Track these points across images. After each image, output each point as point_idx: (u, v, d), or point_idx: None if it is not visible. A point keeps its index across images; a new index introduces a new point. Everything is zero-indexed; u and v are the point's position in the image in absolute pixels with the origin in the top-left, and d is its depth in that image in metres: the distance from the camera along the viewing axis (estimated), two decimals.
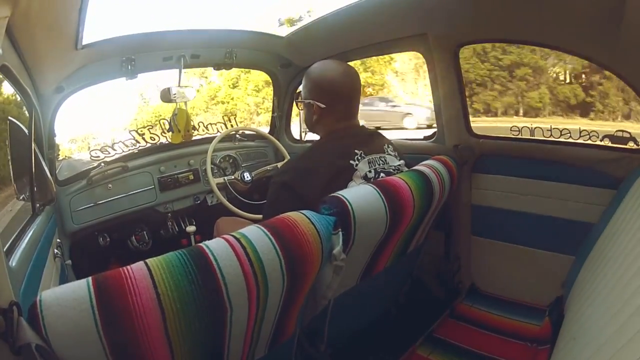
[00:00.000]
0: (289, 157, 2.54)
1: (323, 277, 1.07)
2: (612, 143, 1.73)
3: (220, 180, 2.34)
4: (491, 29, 1.77)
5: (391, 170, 1.39)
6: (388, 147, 1.45)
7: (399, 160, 1.45)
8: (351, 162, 1.30)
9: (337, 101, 1.38)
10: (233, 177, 2.40)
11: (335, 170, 1.28)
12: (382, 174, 1.34)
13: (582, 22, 1.51)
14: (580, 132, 1.82)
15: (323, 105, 1.37)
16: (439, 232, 2.02)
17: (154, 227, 2.51)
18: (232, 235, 0.86)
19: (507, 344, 1.66)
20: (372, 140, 1.42)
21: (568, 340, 1.05)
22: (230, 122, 2.70)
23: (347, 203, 1.08)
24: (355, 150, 1.32)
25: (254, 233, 0.87)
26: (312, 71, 1.43)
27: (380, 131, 1.52)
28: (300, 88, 1.48)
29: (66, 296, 0.68)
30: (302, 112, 1.50)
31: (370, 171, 1.32)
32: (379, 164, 1.37)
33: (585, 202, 1.70)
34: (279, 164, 2.55)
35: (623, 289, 0.81)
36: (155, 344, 0.73)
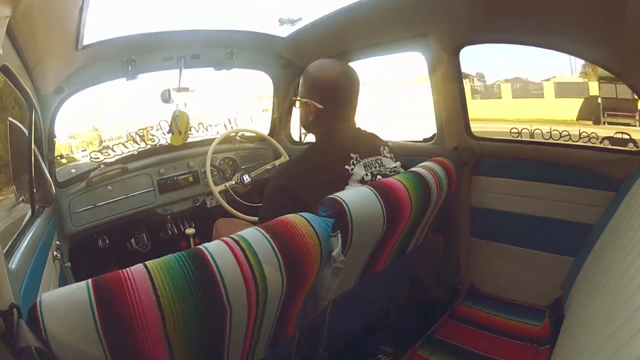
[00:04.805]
0: (288, 159, 2.54)
1: (322, 279, 1.07)
2: (611, 145, 1.73)
3: (222, 187, 2.35)
4: (492, 30, 1.77)
5: (387, 173, 1.38)
6: (384, 149, 1.44)
7: (395, 162, 1.45)
8: (347, 167, 1.30)
9: (335, 102, 1.37)
10: (234, 182, 2.41)
11: (331, 176, 1.28)
12: (378, 177, 1.34)
13: (583, 23, 1.50)
14: (580, 134, 1.82)
15: (320, 106, 1.36)
16: (438, 234, 2.03)
17: (153, 229, 2.51)
18: (231, 238, 0.86)
19: (507, 345, 1.66)
20: (368, 142, 1.41)
21: (568, 340, 1.05)
22: (230, 123, 2.71)
23: (344, 204, 1.08)
24: (351, 154, 1.31)
25: (253, 235, 0.87)
26: (310, 70, 1.41)
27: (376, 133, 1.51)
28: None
29: (66, 298, 0.68)
30: (298, 111, 1.49)
31: (366, 174, 1.32)
32: (375, 167, 1.36)
33: (585, 203, 1.71)
34: (277, 162, 2.55)
35: (623, 290, 0.81)
36: (155, 346, 0.73)
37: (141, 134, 2.42)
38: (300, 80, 1.44)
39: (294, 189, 1.25)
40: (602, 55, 1.58)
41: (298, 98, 1.44)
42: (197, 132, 2.62)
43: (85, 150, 2.67)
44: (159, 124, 2.45)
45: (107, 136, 3.03)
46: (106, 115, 3.04)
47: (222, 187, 2.36)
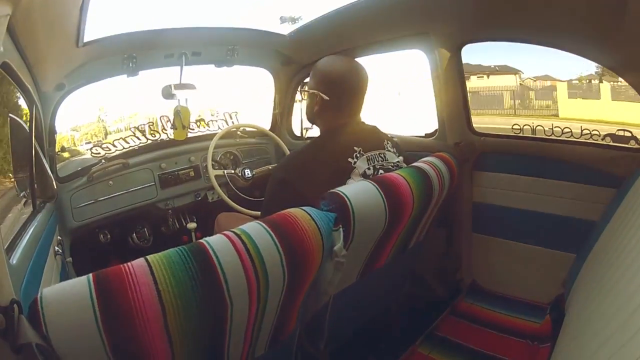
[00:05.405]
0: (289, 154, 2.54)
1: (324, 274, 1.07)
2: (613, 142, 1.72)
3: (220, 172, 2.35)
4: (494, 28, 1.77)
5: (390, 167, 1.39)
6: (387, 143, 1.44)
7: (398, 156, 1.45)
8: (349, 160, 1.30)
9: (341, 95, 1.38)
10: (233, 172, 2.41)
11: (334, 169, 1.29)
12: (380, 171, 1.34)
13: (586, 22, 1.50)
14: (582, 130, 1.81)
15: (326, 97, 1.37)
16: (440, 230, 2.02)
17: (155, 224, 2.52)
18: (233, 232, 0.86)
19: (508, 342, 1.66)
20: (371, 136, 1.42)
21: (569, 338, 1.05)
22: (231, 119, 2.71)
23: (346, 199, 1.08)
24: (354, 148, 1.32)
25: (255, 229, 0.87)
26: (320, 63, 1.43)
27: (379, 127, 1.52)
28: (307, 80, 1.48)
29: (67, 293, 0.68)
30: (305, 102, 1.50)
31: (369, 168, 1.32)
32: (378, 161, 1.36)
33: (587, 200, 1.70)
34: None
35: (624, 287, 0.81)
36: (156, 340, 0.73)
37: (142, 129, 2.42)
38: (310, 73, 1.46)
39: (296, 181, 1.26)
40: (605, 54, 1.57)
41: (306, 90, 1.45)
42: (198, 127, 2.62)
43: (89, 142, 2.67)
44: (161, 119, 2.46)
45: (110, 129, 3.04)
46: (110, 108, 3.05)
47: (219, 172, 2.36)
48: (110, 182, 2.25)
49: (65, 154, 2.47)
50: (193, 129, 2.57)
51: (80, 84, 2.07)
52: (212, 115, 2.73)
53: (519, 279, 1.94)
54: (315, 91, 1.40)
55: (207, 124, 2.68)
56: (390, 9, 1.87)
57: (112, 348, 0.68)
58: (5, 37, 1.07)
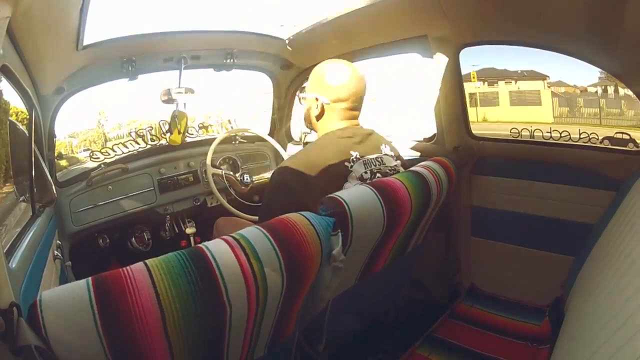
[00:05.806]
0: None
1: (322, 278, 1.07)
2: (611, 145, 1.72)
3: (219, 172, 2.35)
4: (492, 31, 1.77)
5: (387, 171, 1.39)
6: (385, 147, 1.45)
7: (396, 160, 1.46)
8: (346, 164, 1.31)
9: (340, 100, 1.38)
10: (232, 173, 2.41)
11: (331, 172, 1.29)
12: (378, 175, 1.35)
13: (584, 25, 1.50)
14: (580, 134, 1.81)
15: (327, 101, 1.38)
16: (439, 233, 2.02)
17: (154, 229, 2.51)
18: (232, 236, 0.86)
19: (507, 344, 1.66)
20: (369, 140, 1.42)
21: (568, 340, 1.05)
22: (229, 124, 2.71)
23: (344, 203, 1.08)
24: (351, 152, 1.33)
25: (254, 234, 0.87)
26: (320, 67, 1.43)
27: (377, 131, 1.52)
28: (305, 84, 1.48)
29: (66, 296, 0.68)
30: (303, 107, 1.50)
31: (366, 172, 1.32)
32: (375, 165, 1.37)
33: (585, 203, 1.71)
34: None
35: (623, 289, 0.81)
36: (155, 344, 0.73)
37: (141, 134, 2.42)
38: (310, 77, 1.46)
39: (294, 186, 1.26)
40: (604, 57, 1.57)
41: (305, 94, 1.46)
42: (197, 132, 2.63)
43: (88, 149, 2.67)
44: (159, 124, 2.46)
45: (110, 135, 3.04)
46: (109, 115, 3.05)
47: (218, 171, 2.39)
48: (110, 187, 2.25)
49: (63, 162, 2.47)
50: (192, 134, 2.57)
51: (80, 88, 2.07)
52: (200, 126, 2.73)
53: (518, 281, 1.94)
54: (314, 96, 1.41)
55: (206, 128, 2.68)
56: (388, 13, 1.87)
57: (111, 351, 0.68)
58: (4, 40, 1.07)
